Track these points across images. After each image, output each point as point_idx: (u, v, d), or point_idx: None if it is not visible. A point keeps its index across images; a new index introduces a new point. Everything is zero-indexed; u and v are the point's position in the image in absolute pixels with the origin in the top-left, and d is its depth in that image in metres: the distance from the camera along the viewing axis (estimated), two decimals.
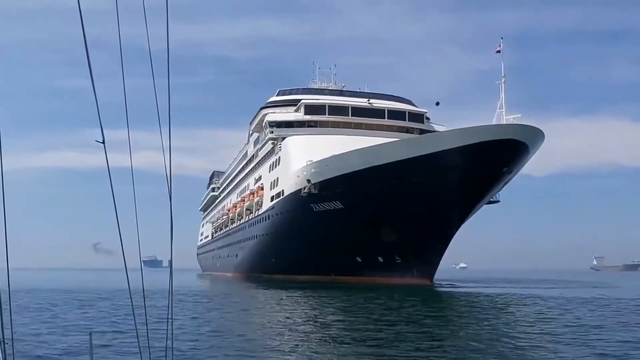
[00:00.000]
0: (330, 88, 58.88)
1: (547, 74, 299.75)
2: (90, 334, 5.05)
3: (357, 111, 51.54)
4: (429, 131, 48.85)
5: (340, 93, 56.20)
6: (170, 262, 4.44)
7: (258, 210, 58.71)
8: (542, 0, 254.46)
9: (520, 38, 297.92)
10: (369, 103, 52.08)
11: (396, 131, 50.66)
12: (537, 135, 33.58)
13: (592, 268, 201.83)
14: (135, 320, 4.62)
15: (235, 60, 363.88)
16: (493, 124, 32.68)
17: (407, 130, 51.40)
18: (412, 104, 55.32)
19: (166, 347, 4.53)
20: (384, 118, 51.67)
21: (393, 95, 55.80)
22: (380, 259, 42.20)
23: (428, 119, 54.13)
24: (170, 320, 4.69)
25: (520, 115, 31.54)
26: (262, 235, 54.60)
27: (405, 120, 52.22)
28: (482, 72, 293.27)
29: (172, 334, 4.87)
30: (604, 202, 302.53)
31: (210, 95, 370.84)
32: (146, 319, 4.74)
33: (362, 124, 51.01)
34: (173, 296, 4.76)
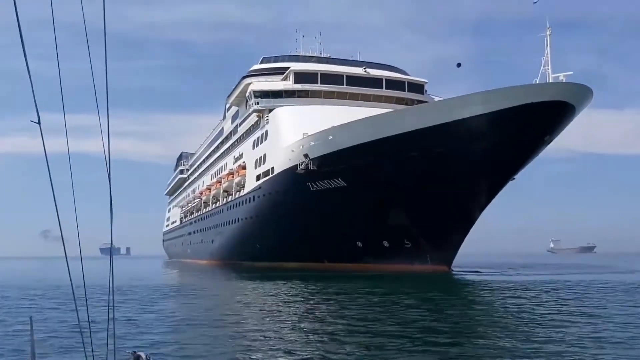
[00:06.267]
0: (318, 55, 53.61)
1: (505, 61, 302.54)
2: (30, 318, 4.94)
3: (353, 80, 46.46)
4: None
5: (331, 61, 50.87)
6: (111, 243, 4.90)
7: (239, 191, 53.21)
8: None
9: (479, 26, 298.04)
10: (365, 71, 46.98)
11: (395, 102, 46.13)
12: (586, 95, 28.95)
13: (548, 250, 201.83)
14: (77, 308, 4.71)
15: (194, 43, 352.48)
16: (538, 83, 27.80)
17: (406, 102, 46.74)
18: (408, 74, 50.75)
19: (107, 336, 4.75)
20: (382, 88, 46.86)
21: (388, 65, 51.00)
22: (386, 244, 37.35)
23: (427, 90, 49.69)
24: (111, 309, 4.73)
25: (572, 72, 26.78)
26: (245, 218, 49.22)
27: (404, 90, 47.56)
28: (441, 58, 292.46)
29: (114, 324, 4.70)
30: (558, 186, 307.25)
31: (169, 80, 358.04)
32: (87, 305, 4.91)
33: (358, 94, 46.04)
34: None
